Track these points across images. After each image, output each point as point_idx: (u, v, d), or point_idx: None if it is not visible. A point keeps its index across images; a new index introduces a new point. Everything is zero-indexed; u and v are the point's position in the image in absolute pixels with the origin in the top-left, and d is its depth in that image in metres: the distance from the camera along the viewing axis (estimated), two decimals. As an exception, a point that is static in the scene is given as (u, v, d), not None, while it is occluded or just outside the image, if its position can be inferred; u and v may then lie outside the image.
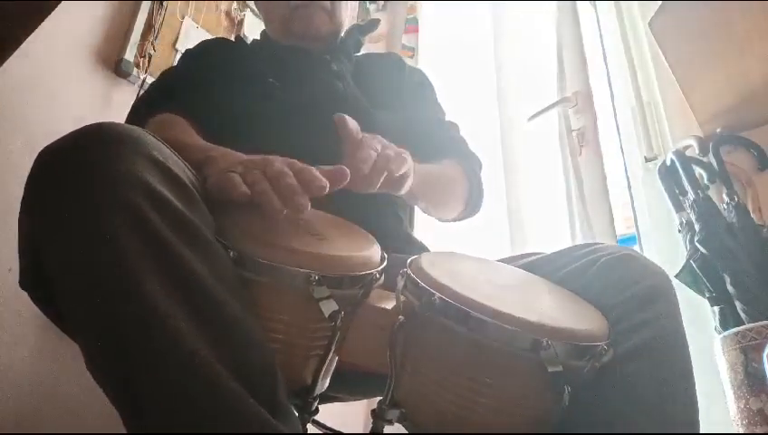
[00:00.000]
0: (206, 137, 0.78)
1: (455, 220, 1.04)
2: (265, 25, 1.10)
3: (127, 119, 0.91)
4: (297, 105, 0.90)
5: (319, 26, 1.00)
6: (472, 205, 1.02)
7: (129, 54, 1.42)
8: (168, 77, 1.01)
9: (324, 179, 0.55)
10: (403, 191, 0.73)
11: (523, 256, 0.79)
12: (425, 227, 1.42)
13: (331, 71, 0.98)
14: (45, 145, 0.48)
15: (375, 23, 1.16)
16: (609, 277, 0.62)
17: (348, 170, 0.59)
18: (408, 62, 2.16)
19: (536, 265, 0.73)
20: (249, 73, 0.95)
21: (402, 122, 0.98)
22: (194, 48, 1.06)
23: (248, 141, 0.73)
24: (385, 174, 0.64)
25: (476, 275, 0.63)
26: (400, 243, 0.84)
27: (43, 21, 0.93)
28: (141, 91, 1.42)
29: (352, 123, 0.66)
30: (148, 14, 1.49)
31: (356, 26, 1.11)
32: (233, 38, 1.08)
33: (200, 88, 0.92)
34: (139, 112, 0.90)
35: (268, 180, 0.55)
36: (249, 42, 1.11)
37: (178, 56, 1.54)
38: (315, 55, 1.00)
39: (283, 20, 1.01)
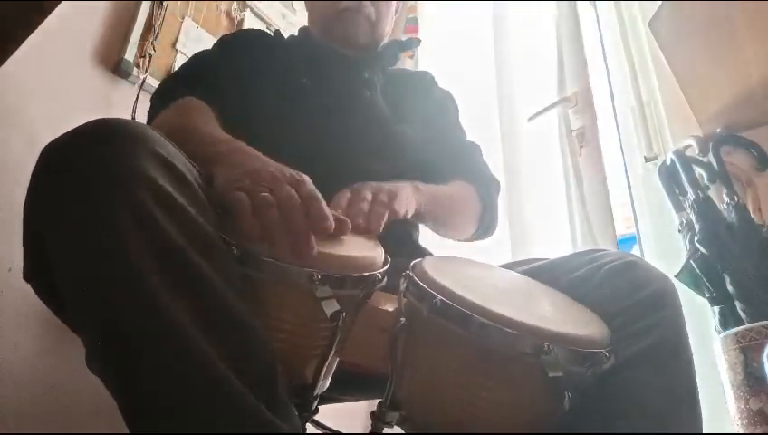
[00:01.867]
0: (226, 128, 0.77)
1: (467, 241, 1.02)
2: (308, 23, 1.10)
3: (153, 97, 0.91)
4: (323, 107, 0.91)
5: (360, 34, 1.00)
6: (485, 226, 1.01)
7: (129, 54, 1.42)
8: (200, 61, 0.99)
9: (331, 218, 0.55)
10: (408, 216, 0.75)
11: (525, 262, 0.79)
12: (425, 228, 1.41)
13: (362, 78, 0.99)
14: (46, 145, 0.48)
15: (415, 42, 1.15)
16: (612, 285, 0.62)
17: (349, 222, 0.60)
18: (408, 62, 2.17)
19: (539, 272, 0.73)
20: (283, 71, 0.94)
21: (423, 141, 0.98)
22: (232, 36, 1.05)
23: (271, 137, 0.73)
24: (386, 216, 0.67)
25: (479, 278, 0.64)
26: (408, 250, 0.84)
27: (43, 21, 0.93)
28: (140, 91, 1.42)
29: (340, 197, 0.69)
30: (148, 14, 1.48)
31: (396, 42, 1.12)
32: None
33: (231, 78, 0.91)
34: (165, 93, 0.89)
35: (277, 205, 0.53)
36: (287, 37, 1.10)
37: (179, 56, 1.54)
38: (350, 61, 1.00)
39: (327, 21, 1.02)
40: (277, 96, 0.90)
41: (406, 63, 2.14)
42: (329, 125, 0.88)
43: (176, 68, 1.51)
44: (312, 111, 0.89)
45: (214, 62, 0.97)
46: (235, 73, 0.92)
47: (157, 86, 0.94)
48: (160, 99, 0.88)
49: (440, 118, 1.07)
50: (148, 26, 1.48)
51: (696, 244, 1.28)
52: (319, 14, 1.04)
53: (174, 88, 0.89)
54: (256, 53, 0.97)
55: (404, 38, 2.11)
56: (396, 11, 1.11)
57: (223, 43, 1.03)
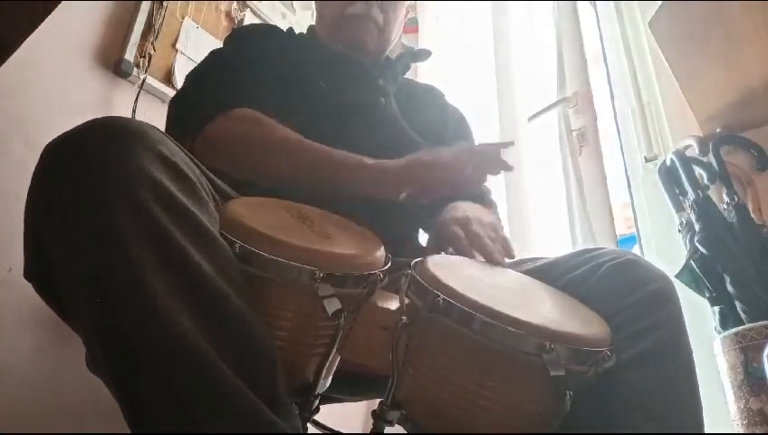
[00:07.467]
0: None
1: None
2: (316, 23, 1.09)
3: (188, 110, 0.84)
4: (339, 111, 0.90)
5: (367, 39, 1.00)
6: None
7: (129, 54, 1.42)
8: (228, 65, 0.91)
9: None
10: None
11: (526, 261, 0.79)
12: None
13: (377, 85, 0.98)
14: (46, 145, 0.48)
15: (426, 53, 1.14)
16: (612, 283, 0.62)
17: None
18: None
19: (539, 271, 0.73)
20: (301, 72, 0.94)
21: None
22: (248, 32, 1.03)
23: None
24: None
25: (480, 277, 0.63)
26: (408, 249, 0.83)
27: (42, 21, 0.93)
28: (140, 91, 1.41)
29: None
30: (148, 14, 1.48)
31: (408, 51, 1.11)
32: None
33: (262, 82, 0.88)
34: (212, 102, 0.82)
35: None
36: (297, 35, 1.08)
37: (179, 56, 1.54)
38: (365, 67, 1.00)
39: (335, 23, 1.01)
40: (293, 96, 0.89)
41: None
42: (345, 130, 0.87)
43: (176, 68, 1.51)
44: (328, 115, 0.88)
45: (243, 65, 0.91)
46: (264, 76, 0.90)
47: (179, 94, 0.87)
48: (209, 108, 0.81)
49: (455, 136, 1.05)
50: (148, 26, 1.48)
51: (696, 244, 1.28)
52: (327, 15, 1.03)
53: (221, 97, 0.82)
54: (273, 50, 0.96)
55: (406, 41, 2.10)
56: (405, 15, 1.10)
57: (241, 40, 0.99)
